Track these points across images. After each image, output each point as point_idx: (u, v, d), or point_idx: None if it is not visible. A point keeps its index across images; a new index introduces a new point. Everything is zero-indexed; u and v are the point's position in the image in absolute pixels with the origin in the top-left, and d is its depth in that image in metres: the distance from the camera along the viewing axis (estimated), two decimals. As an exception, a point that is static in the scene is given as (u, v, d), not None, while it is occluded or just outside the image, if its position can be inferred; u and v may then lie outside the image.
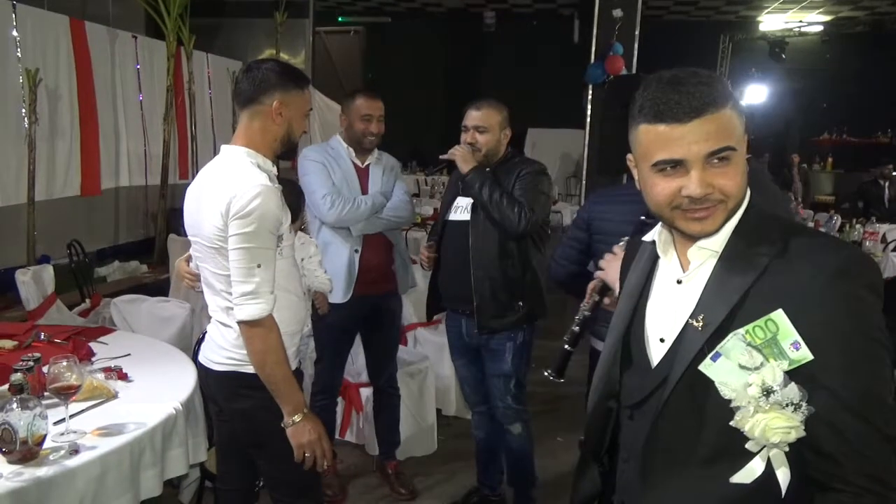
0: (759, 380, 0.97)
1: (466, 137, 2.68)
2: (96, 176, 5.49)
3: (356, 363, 3.33)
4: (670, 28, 10.73)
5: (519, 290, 2.66)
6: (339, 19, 11.82)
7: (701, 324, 1.04)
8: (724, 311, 1.02)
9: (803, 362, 0.97)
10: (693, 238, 1.09)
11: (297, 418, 1.81)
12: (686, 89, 1.01)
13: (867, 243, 5.42)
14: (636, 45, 7.65)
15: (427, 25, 12.23)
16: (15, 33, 4.73)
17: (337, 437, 3.45)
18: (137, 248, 6.48)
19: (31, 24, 4.87)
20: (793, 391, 0.96)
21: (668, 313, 1.13)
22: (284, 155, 1.92)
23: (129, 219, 6.67)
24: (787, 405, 0.96)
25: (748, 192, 1.09)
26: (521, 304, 2.67)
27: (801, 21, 10.70)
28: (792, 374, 0.97)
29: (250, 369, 1.81)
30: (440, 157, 2.78)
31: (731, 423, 0.99)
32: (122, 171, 6.00)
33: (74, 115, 5.28)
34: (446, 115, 13.01)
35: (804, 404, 0.96)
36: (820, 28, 10.83)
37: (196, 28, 6.47)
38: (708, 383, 1.01)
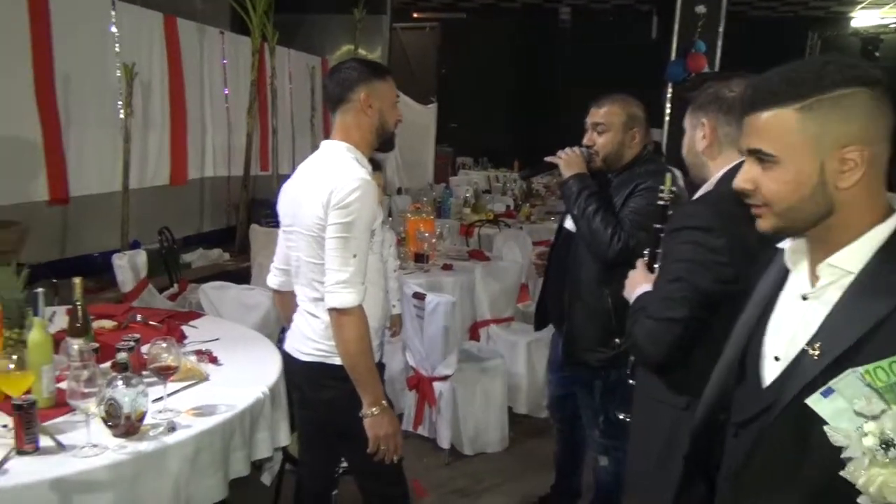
0: (878, 429, 0.84)
1: (585, 138, 2.40)
2: (184, 166, 5.73)
3: (430, 357, 3.36)
4: (755, 24, 10.35)
5: (618, 324, 2.18)
6: (415, 15, 11.93)
7: (818, 352, 0.95)
8: (846, 342, 0.92)
9: None
10: (826, 250, 0.99)
11: (375, 410, 1.84)
12: (767, 77, 0.99)
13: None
14: (719, 43, 7.43)
15: (502, 21, 12.19)
16: (114, 29, 4.97)
17: (409, 429, 3.51)
18: (220, 236, 6.72)
19: (129, 20, 5.11)
20: None
21: (787, 331, 1.04)
22: (383, 146, 1.97)
23: (213, 208, 6.93)
24: None
25: None
26: (618, 341, 2.25)
27: (899, 17, 10.15)
28: None
29: (336, 360, 1.86)
30: (545, 158, 2.48)
31: (842, 473, 0.87)
32: (208, 161, 6.24)
33: (165, 107, 5.52)
34: (519, 111, 12.96)
35: None
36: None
37: (278, 24, 6.65)
38: (816, 419, 0.91)
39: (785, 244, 1.09)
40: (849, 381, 0.88)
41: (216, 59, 6.27)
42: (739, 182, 1.02)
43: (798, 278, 1.06)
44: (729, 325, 1.49)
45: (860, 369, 0.87)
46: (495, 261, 4.47)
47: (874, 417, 0.85)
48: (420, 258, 4.16)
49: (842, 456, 0.87)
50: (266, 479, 2.76)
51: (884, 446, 0.83)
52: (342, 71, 1.90)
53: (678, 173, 1.84)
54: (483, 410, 3.50)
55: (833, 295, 0.97)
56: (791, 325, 1.03)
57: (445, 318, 3.18)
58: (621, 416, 2.09)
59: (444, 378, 3.37)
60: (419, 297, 3.28)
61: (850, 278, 0.96)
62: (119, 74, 4.89)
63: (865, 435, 0.85)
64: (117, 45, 4.99)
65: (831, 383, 0.89)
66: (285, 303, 2.15)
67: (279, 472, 2.67)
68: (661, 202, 1.78)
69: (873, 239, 0.96)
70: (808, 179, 0.97)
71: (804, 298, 1.02)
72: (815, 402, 0.91)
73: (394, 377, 3.69)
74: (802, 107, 0.95)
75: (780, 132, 0.97)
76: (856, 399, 0.86)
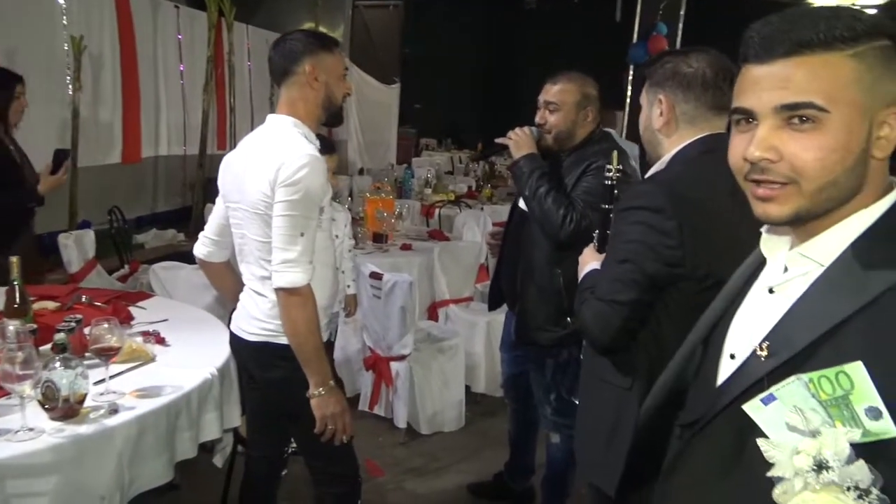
0: (815, 449, 0.73)
1: (537, 116, 2.38)
2: (137, 144, 5.59)
3: (387, 338, 3.35)
4: (716, 7, 10.44)
5: (569, 304, 2.18)
6: (379, -7, 11.74)
7: (765, 353, 0.83)
8: (798, 344, 0.80)
9: (884, 437, 0.71)
10: (805, 236, 0.85)
11: (322, 390, 1.83)
12: (784, 18, 0.80)
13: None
14: (681, 25, 7.49)
15: (466, 1, 12.09)
16: (61, 1, 4.79)
17: (366, 409, 3.50)
18: (174, 216, 6.59)
19: (77, -9, 4.94)
20: (860, 471, 0.71)
21: (749, 326, 0.91)
22: (330, 121, 1.92)
23: (167, 188, 6.78)
24: (848, 489, 0.70)
25: None
26: (569, 320, 2.27)
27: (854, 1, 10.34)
28: (863, 449, 0.72)
29: (283, 340, 1.83)
30: (496, 140, 2.45)
31: (773, 495, 0.75)
32: (162, 140, 6.10)
33: (117, 83, 5.36)
34: (483, 92, 12.91)
35: (875, 491, 0.70)
36: (875, 10, 10.46)
37: (237, -1, 6.49)
38: (755, 428, 0.80)
39: (763, 228, 0.94)
40: (793, 389, 0.77)
41: (171, 34, 6.11)
42: (755, 151, 0.81)
43: (772, 268, 0.93)
44: (674, 307, 1.48)
45: (805, 377, 0.76)
46: (454, 241, 4.47)
47: (813, 434, 0.74)
48: (379, 238, 4.14)
49: (769, 474, 0.76)
50: (218, 461, 2.72)
51: (816, 468, 0.72)
52: (287, 42, 1.84)
53: (636, 151, 1.80)
54: (440, 390, 3.50)
55: (799, 289, 0.84)
56: (755, 321, 0.91)
57: (402, 297, 3.17)
58: (574, 400, 2.09)
59: (402, 358, 3.36)
60: (376, 276, 3.26)
61: (821, 271, 0.83)
62: (67, 48, 4.72)
63: (798, 453, 0.73)
64: (65, 17, 4.82)
65: (773, 389, 0.78)
66: (213, 274, 2.16)
67: (231, 453, 2.64)
68: (607, 181, 1.77)
69: (852, 227, 0.82)
70: (856, 145, 0.79)
71: (771, 291, 0.90)
72: (753, 408, 0.80)
73: (351, 357, 3.68)
74: (856, 53, 0.79)
75: (832, 82, 0.78)
76: (789, 412, 0.76)
